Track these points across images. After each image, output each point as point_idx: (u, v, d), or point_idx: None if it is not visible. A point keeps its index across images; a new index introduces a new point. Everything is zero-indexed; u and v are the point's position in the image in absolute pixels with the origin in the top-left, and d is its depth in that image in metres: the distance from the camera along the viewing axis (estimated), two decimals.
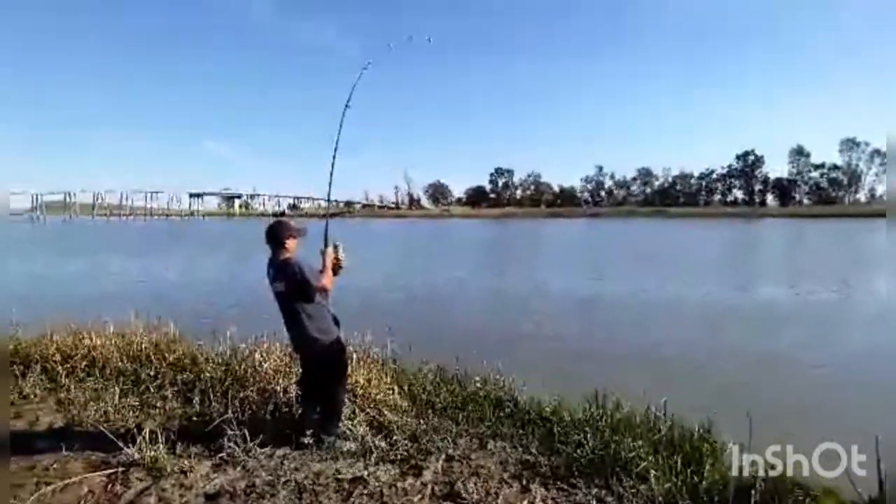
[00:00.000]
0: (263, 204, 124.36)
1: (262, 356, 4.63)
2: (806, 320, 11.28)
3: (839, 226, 52.40)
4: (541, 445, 3.49)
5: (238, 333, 5.23)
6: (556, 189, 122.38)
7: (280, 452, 3.42)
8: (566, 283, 16.95)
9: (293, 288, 3.35)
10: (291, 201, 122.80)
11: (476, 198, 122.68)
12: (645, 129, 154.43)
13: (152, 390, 4.49)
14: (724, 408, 3.78)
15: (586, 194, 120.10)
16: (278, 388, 4.19)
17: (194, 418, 4.01)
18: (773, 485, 2.74)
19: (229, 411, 3.85)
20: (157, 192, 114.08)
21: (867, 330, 10.39)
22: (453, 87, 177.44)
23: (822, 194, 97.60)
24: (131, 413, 4.07)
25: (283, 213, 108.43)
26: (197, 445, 3.49)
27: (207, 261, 25.03)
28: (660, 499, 2.77)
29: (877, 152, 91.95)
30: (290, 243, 3.48)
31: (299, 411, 3.84)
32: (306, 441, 3.51)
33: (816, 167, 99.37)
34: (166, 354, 5.13)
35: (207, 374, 4.62)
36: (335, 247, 3.65)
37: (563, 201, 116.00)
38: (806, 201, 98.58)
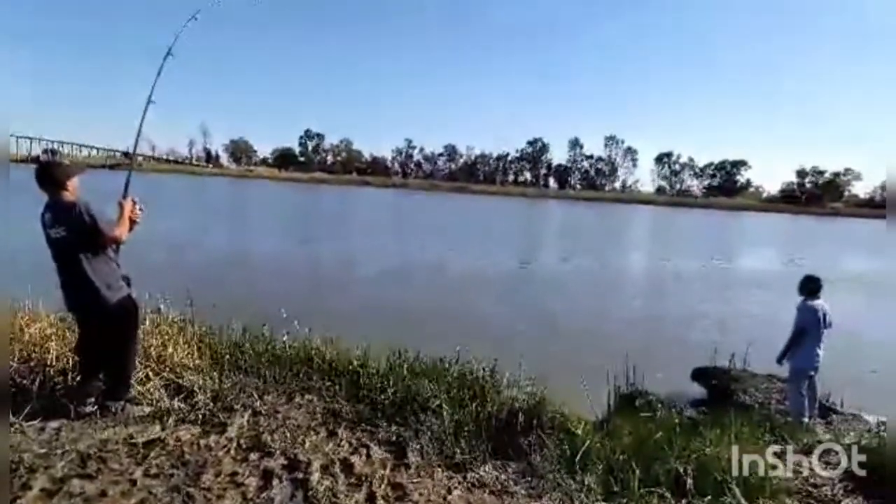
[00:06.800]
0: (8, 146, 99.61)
1: (23, 321, 3.97)
2: (575, 286, 13.49)
3: (602, 209, 62.87)
4: (347, 395, 3.70)
5: None
6: (368, 157, 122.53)
7: (55, 424, 3.04)
8: (373, 249, 17.41)
9: (79, 234, 2.95)
10: (49, 146, 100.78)
11: (284, 160, 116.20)
12: (453, 110, 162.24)
13: None
14: (502, 353, 4.45)
15: (396, 166, 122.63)
16: (49, 356, 3.67)
17: None
18: (535, 409, 3.39)
19: None
20: None
21: (629, 294, 12.87)
22: (257, 41, 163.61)
23: (590, 181, 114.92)
24: None
25: (36, 159, 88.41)
26: None
27: None
28: (450, 429, 3.22)
29: (629, 149, 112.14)
30: (72, 184, 3.05)
31: (78, 379, 3.43)
32: (88, 410, 3.18)
33: (587, 157, 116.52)
34: None
35: None
36: (134, 201, 3.28)
37: (375, 170, 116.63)
38: (578, 186, 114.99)
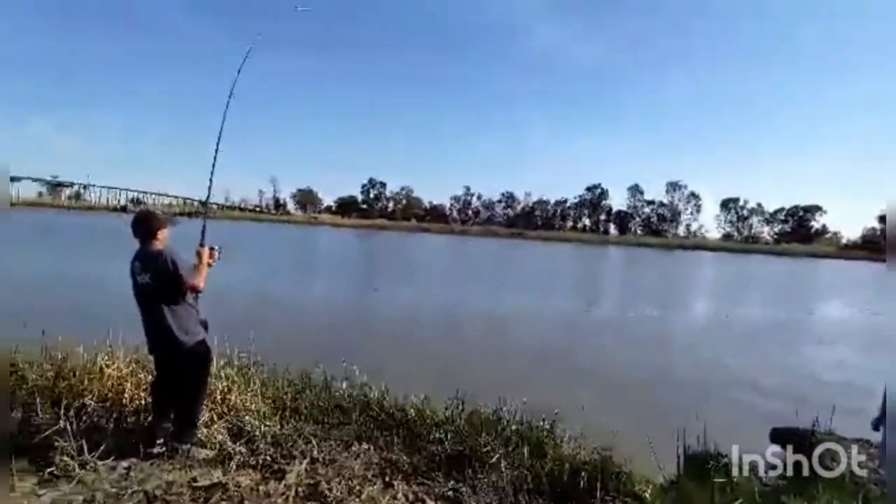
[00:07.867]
0: (99, 196, 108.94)
1: (104, 361, 4.21)
2: (638, 337, 12.95)
3: (666, 256, 60.81)
4: (404, 445, 3.65)
5: (76, 337, 4.67)
6: (427, 205, 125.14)
7: (125, 464, 3.15)
8: (430, 295, 17.47)
9: (162, 282, 3.15)
10: (134, 195, 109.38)
11: (347, 207, 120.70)
12: (511, 158, 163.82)
13: None
14: (562, 404, 4.27)
15: (455, 213, 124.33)
16: (125, 396, 3.86)
17: (13, 431, 3.52)
18: (598, 467, 3.20)
19: (61, 422, 3.47)
20: None
21: (674, 345, 12.24)
22: (325, 93, 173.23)
23: (652, 226, 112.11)
24: None
25: (124, 208, 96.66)
26: (18, 461, 3.07)
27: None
28: (508, 486, 3.09)
29: (692, 194, 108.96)
30: (162, 234, 3.29)
31: (149, 420, 3.57)
32: (156, 451, 3.29)
33: (648, 203, 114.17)
34: None
35: (31, 383, 4.07)
36: (211, 248, 3.48)
37: (433, 217, 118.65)
38: (639, 231, 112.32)
